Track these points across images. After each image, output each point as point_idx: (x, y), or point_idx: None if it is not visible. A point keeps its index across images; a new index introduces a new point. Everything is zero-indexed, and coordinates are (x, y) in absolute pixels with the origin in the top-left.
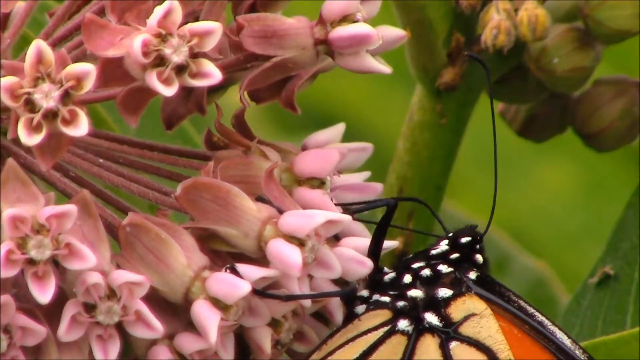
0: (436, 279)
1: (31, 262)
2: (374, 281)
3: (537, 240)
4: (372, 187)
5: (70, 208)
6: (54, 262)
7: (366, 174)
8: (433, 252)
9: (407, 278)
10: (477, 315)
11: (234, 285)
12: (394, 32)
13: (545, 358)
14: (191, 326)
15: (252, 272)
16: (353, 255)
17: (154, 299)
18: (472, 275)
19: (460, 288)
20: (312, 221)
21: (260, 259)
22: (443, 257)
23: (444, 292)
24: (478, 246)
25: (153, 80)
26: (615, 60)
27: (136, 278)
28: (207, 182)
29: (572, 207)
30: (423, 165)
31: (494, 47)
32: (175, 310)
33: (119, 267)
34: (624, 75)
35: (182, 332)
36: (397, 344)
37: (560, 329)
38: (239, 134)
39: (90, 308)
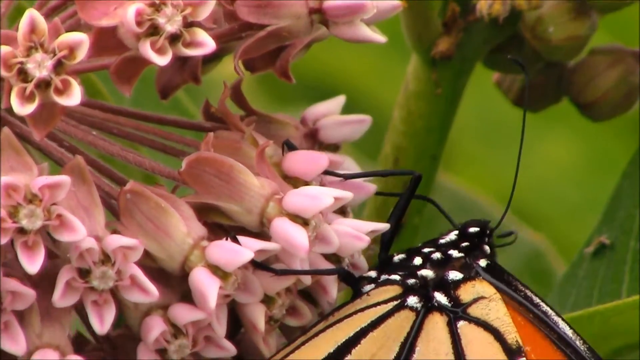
0: (446, 262)
1: (22, 231)
2: (383, 262)
3: (537, 213)
4: (366, 187)
5: (64, 179)
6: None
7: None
8: (442, 240)
9: (418, 260)
10: (486, 299)
11: (236, 251)
12: (388, 2)
13: (546, 346)
14: (186, 298)
15: (253, 243)
16: (350, 230)
17: (149, 270)
18: (482, 262)
19: (469, 272)
20: (319, 203)
21: (261, 234)
22: (453, 245)
23: (454, 275)
24: (487, 238)
25: (147, 49)
26: (613, 29)
27: (130, 242)
28: (210, 157)
29: (572, 179)
30: (418, 134)
31: (489, 16)
32: (169, 282)
33: (116, 234)
34: (619, 45)
35: (176, 303)
36: (405, 318)
37: (563, 319)
38: (237, 117)
39: (84, 273)
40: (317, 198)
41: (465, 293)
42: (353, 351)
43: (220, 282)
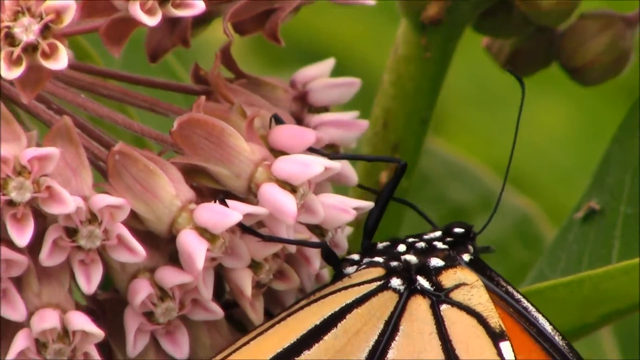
0: (430, 252)
1: (11, 203)
2: (366, 249)
3: (527, 178)
4: (358, 123)
5: (53, 151)
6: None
7: (354, 113)
8: (427, 236)
9: (401, 247)
10: (468, 285)
11: (224, 213)
12: None
13: (525, 339)
14: (173, 260)
15: (241, 207)
16: (336, 203)
17: (136, 232)
18: (465, 257)
19: (452, 262)
20: (309, 170)
21: (248, 199)
22: (438, 239)
23: (436, 262)
24: (470, 239)
25: (136, 10)
26: None
27: (117, 201)
28: (202, 118)
29: (562, 144)
30: (408, 98)
31: None
32: (156, 244)
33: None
34: (609, 10)
35: (163, 266)
36: (388, 299)
37: (543, 316)
38: (227, 88)
39: (71, 232)
40: (307, 165)
41: (447, 279)
42: (339, 325)
43: (208, 245)
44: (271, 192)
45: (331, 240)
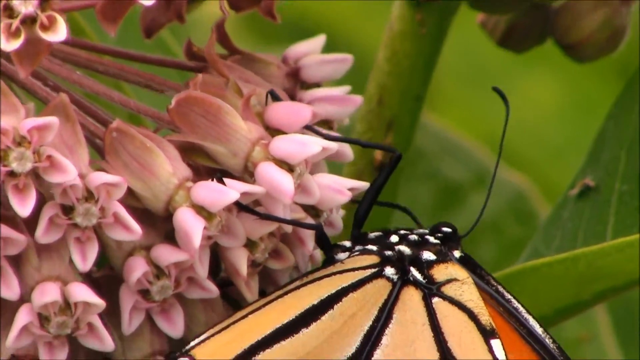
0: (422, 245)
1: (12, 174)
2: (356, 238)
3: (521, 156)
4: (352, 99)
5: (52, 120)
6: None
7: (346, 88)
8: (418, 230)
9: (394, 238)
10: (459, 281)
11: (221, 191)
12: None
13: (515, 339)
14: (169, 238)
15: (238, 185)
16: (331, 184)
17: (132, 210)
18: (456, 254)
19: (444, 257)
20: (307, 150)
21: (244, 178)
22: (429, 233)
23: (428, 255)
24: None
25: None
26: None
27: (113, 179)
28: (199, 96)
29: (556, 121)
30: (403, 74)
31: None
32: (153, 222)
33: (101, 172)
34: None
35: (159, 244)
36: (382, 287)
37: (533, 317)
38: (223, 64)
39: (68, 210)
40: (304, 145)
41: (439, 273)
42: (336, 306)
43: (204, 223)
44: (268, 171)
45: (326, 220)
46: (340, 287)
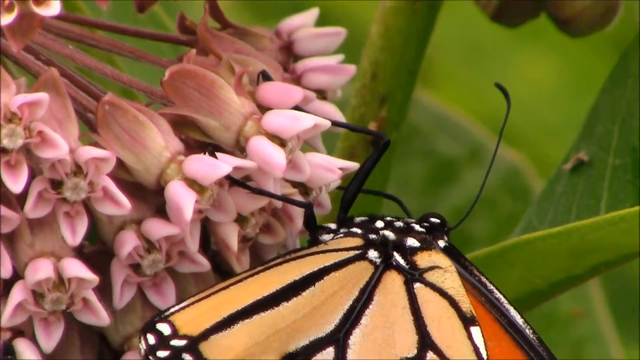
0: (407, 232)
1: (3, 150)
2: (343, 220)
3: (516, 132)
4: (345, 68)
5: (42, 96)
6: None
7: (339, 57)
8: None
9: (379, 223)
10: (442, 269)
11: (213, 165)
12: None
13: (496, 329)
14: (160, 212)
15: (230, 160)
16: (322, 162)
17: (123, 184)
18: (441, 243)
19: (428, 245)
20: (299, 124)
21: (236, 153)
22: (415, 222)
23: (412, 242)
24: (446, 230)
25: None
26: None
27: (102, 153)
28: (192, 70)
29: (552, 97)
30: (396, 50)
31: None
32: (144, 196)
33: (94, 145)
34: None
35: (150, 217)
36: (364, 269)
37: (515, 308)
38: (215, 43)
39: (56, 185)
40: (297, 119)
41: (422, 260)
42: (317, 284)
43: (196, 196)
44: (260, 145)
45: (315, 200)
46: (322, 266)
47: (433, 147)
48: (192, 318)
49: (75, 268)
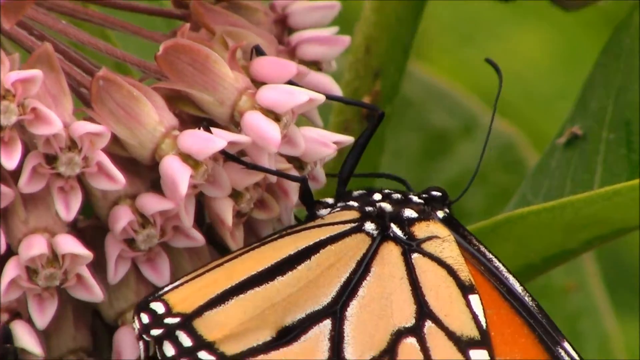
0: (405, 203)
1: None
2: (341, 194)
3: (510, 105)
4: (340, 39)
5: (36, 73)
6: None
7: (334, 29)
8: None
9: (377, 196)
10: (440, 239)
11: (208, 139)
12: None
13: (495, 297)
14: (154, 187)
15: (225, 134)
16: (317, 136)
17: (118, 159)
18: (440, 214)
19: (426, 215)
20: (294, 99)
21: (230, 128)
22: (415, 195)
23: (410, 213)
24: (447, 202)
25: None
26: None
27: (97, 128)
28: (187, 44)
29: (546, 71)
30: (390, 24)
31: None
32: (138, 171)
33: (88, 120)
34: None
35: (145, 192)
36: (361, 241)
37: (514, 276)
38: (209, 18)
39: (51, 160)
40: (292, 94)
41: (420, 230)
42: (313, 257)
43: (191, 171)
44: (255, 120)
45: (310, 174)
46: (318, 239)
47: (427, 120)
48: (186, 296)
49: (69, 244)
